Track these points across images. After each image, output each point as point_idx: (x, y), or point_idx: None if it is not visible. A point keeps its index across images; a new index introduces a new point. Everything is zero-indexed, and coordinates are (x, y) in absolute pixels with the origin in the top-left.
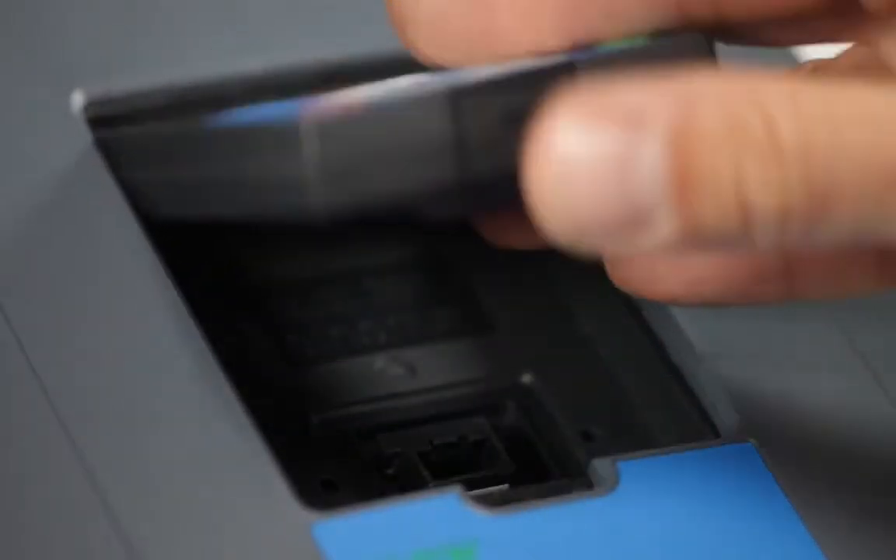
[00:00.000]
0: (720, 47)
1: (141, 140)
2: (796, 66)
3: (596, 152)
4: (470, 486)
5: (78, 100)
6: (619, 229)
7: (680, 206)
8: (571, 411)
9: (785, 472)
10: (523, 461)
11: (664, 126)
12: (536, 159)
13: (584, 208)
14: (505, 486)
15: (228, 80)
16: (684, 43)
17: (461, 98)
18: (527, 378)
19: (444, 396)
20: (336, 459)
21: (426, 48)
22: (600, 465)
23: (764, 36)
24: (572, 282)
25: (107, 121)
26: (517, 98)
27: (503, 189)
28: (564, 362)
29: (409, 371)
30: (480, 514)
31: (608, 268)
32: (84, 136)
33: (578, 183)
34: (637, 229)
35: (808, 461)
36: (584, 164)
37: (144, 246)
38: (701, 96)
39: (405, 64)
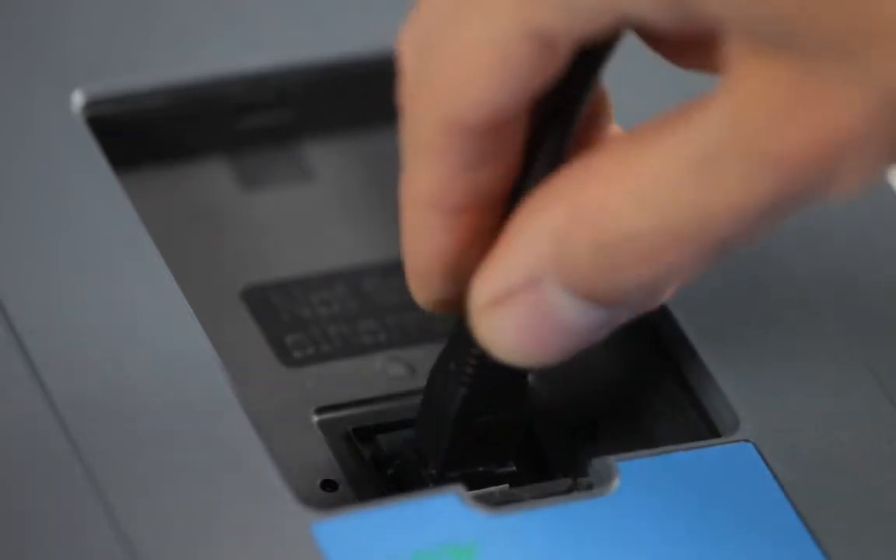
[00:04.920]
0: None
1: None
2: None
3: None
4: (470, 485)
5: (78, 100)
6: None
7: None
8: (572, 411)
9: (785, 472)
10: (524, 461)
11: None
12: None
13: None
14: (505, 486)
15: (228, 79)
16: None
17: None
18: (528, 377)
19: None
20: (336, 459)
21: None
22: (600, 465)
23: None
24: None
25: (107, 120)
26: None
27: None
28: (565, 362)
29: (409, 371)
30: (480, 514)
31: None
32: (84, 136)
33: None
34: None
35: (808, 461)
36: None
37: (147, 243)
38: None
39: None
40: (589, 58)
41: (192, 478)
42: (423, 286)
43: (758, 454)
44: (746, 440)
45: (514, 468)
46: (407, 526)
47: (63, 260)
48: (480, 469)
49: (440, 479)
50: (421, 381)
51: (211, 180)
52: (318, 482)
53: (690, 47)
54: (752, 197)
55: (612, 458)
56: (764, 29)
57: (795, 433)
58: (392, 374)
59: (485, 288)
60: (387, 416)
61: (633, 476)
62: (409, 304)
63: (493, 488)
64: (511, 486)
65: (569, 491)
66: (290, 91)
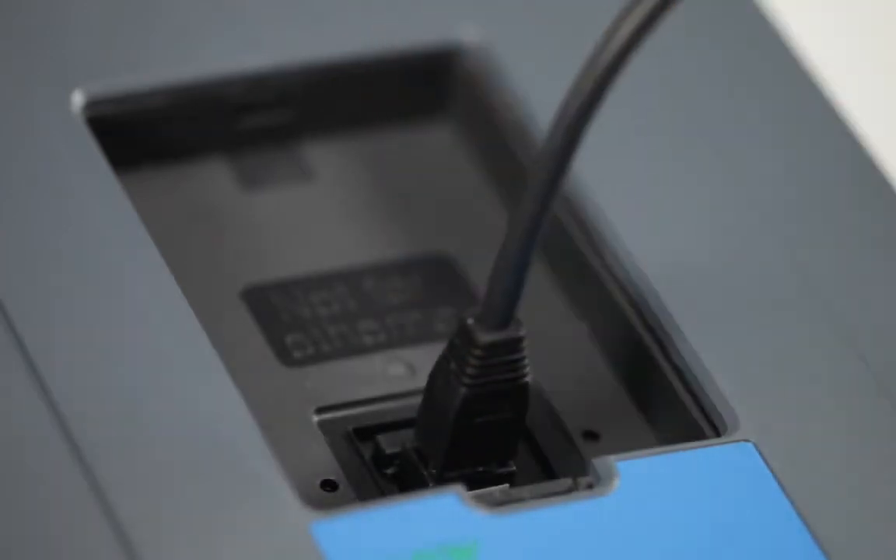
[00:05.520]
0: None
1: None
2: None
3: None
4: (470, 485)
5: (78, 100)
6: None
7: None
8: (572, 411)
9: (785, 472)
10: (524, 461)
11: None
12: None
13: None
14: (505, 486)
15: (228, 79)
16: None
17: None
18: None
19: None
20: (336, 459)
21: None
22: (600, 465)
23: None
24: (573, 281)
25: (107, 121)
26: None
27: None
28: (565, 362)
29: (409, 371)
30: (480, 514)
31: None
32: (84, 136)
33: None
34: None
35: (808, 461)
36: None
37: (147, 243)
38: None
39: (404, 62)
40: None
41: (192, 477)
42: None
43: (758, 454)
44: (746, 440)
45: (514, 468)
46: (407, 526)
47: (63, 260)
48: (480, 469)
49: (440, 479)
50: (421, 381)
51: (211, 180)
52: (318, 482)
53: None
54: None
55: (612, 458)
56: None
57: (795, 433)
58: (392, 374)
59: None
60: (387, 416)
61: (634, 476)
62: (409, 303)
63: (493, 488)
64: (511, 486)
65: (569, 491)
66: (290, 91)
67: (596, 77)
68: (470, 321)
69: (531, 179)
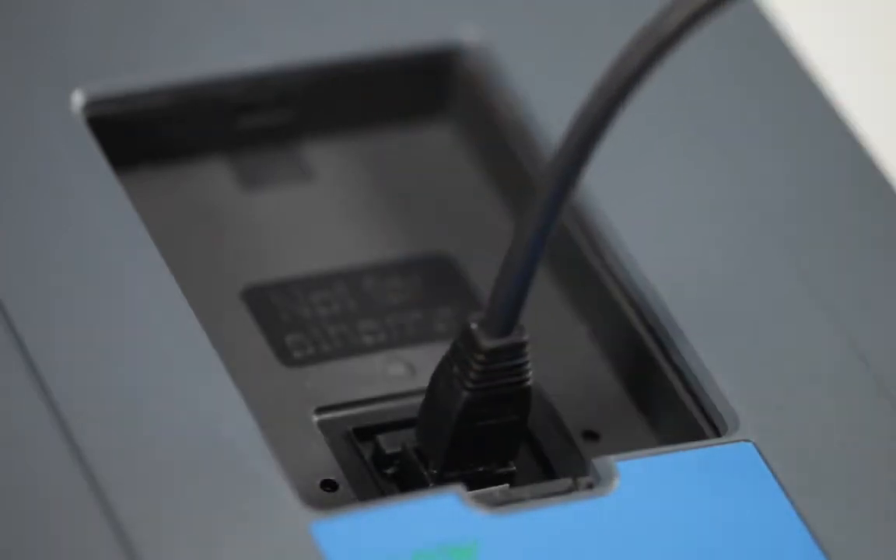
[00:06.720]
0: None
1: None
2: None
3: None
4: (470, 485)
5: (78, 100)
6: None
7: None
8: (572, 411)
9: (785, 472)
10: (524, 461)
11: None
12: None
13: None
14: (505, 486)
15: (228, 79)
16: None
17: None
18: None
19: None
20: (336, 459)
21: None
22: (600, 465)
23: None
24: (574, 282)
25: (107, 121)
26: None
27: None
28: (565, 362)
29: (409, 371)
30: (480, 514)
31: None
32: (84, 136)
33: None
34: None
35: (808, 461)
36: None
37: (147, 243)
38: None
39: (404, 62)
40: None
41: (192, 477)
42: None
43: (758, 454)
44: (746, 440)
45: (514, 468)
46: (407, 526)
47: (63, 260)
48: (480, 469)
49: (440, 479)
50: (421, 381)
51: (211, 180)
52: (318, 482)
53: None
54: None
55: (612, 458)
56: None
57: (795, 433)
58: (392, 374)
59: None
60: (387, 416)
61: (634, 476)
62: (409, 303)
63: (493, 488)
64: (511, 486)
65: (569, 491)
66: (290, 91)
67: (610, 97)
68: (473, 326)
69: (539, 192)
